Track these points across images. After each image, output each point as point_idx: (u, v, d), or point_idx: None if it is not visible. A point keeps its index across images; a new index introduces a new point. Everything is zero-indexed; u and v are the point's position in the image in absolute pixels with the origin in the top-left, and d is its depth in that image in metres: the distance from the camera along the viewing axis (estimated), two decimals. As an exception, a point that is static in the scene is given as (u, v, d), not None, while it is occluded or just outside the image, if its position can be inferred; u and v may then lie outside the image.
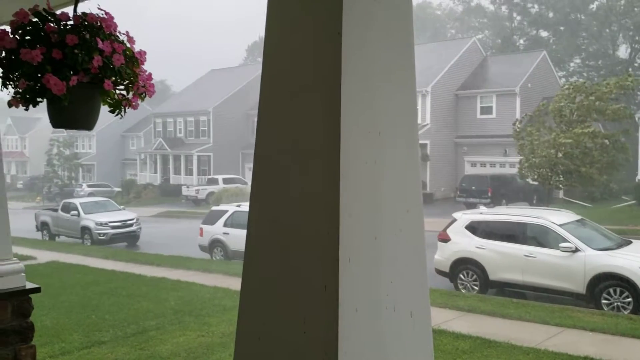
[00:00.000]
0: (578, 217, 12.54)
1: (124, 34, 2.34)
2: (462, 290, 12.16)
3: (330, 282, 1.18)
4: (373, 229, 1.28)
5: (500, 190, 28.56)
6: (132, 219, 22.85)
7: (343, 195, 1.20)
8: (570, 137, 24.11)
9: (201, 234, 17.78)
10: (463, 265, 12.35)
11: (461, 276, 12.35)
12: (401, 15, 1.39)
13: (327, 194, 1.21)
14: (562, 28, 53.69)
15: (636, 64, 48.29)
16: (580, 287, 10.73)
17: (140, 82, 2.39)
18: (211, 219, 17.78)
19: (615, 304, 10.34)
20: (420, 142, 32.66)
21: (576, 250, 10.84)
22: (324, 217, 1.21)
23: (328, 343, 1.17)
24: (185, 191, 40.81)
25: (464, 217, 13.00)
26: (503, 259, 11.78)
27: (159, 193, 45.19)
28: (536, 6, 56.58)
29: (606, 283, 10.47)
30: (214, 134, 45.74)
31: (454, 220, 13.04)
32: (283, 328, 1.27)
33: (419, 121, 33.75)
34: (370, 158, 1.28)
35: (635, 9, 48.29)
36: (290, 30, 1.34)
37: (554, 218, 11.78)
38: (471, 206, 21.78)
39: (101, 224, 22.11)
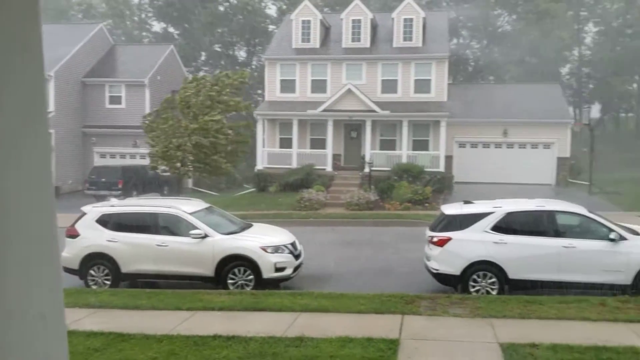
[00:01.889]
0: (207, 205, 13.35)
1: None
2: (94, 287, 11.67)
3: None
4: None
5: (131, 181, 28.39)
6: None
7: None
8: (198, 125, 25.74)
9: None
10: (94, 260, 11.85)
11: (92, 272, 11.83)
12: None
13: None
14: (186, 25, 56.18)
15: (253, 66, 54.06)
16: (209, 271, 11.47)
17: None
18: None
19: (240, 282, 11.41)
20: (44, 130, 29.92)
21: (205, 236, 11.53)
22: None
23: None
24: None
25: (94, 210, 12.46)
26: (135, 250, 11.73)
27: None
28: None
29: (232, 264, 11.46)
30: None
31: (84, 214, 12.39)
32: None
33: (42, 108, 30.84)
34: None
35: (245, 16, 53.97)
36: None
37: (184, 207, 12.27)
38: (102, 199, 21.02)
39: None
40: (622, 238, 10.49)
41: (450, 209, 11.96)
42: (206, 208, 13.00)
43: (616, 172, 37.74)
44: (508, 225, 10.96)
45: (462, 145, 32.14)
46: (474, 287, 10.81)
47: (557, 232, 10.82)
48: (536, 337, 7.76)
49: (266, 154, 29.66)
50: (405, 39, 30.82)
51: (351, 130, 30.56)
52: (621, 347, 7.35)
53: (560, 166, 31.15)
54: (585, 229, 10.92)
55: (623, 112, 61.29)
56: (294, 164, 28.59)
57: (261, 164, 29.45)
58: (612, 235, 10.49)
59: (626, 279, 10.37)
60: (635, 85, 57.08)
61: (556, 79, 46.37)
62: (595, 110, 56.44)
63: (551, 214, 11.02)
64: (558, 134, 31.29)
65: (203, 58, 57.53)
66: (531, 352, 7.24)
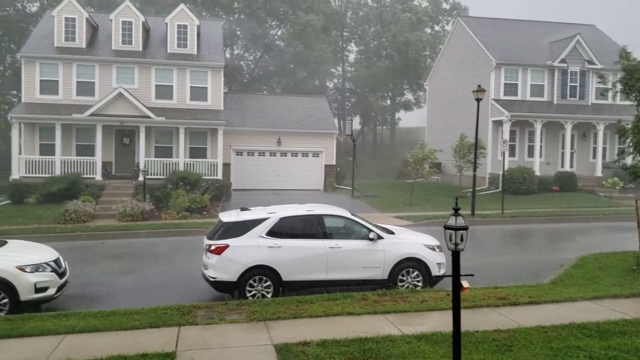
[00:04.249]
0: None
1: None
2: None
3: None
4: None
5: None
6: None
7: None
8: None
9: None
10: None
11: None
12: None
13: None
14: None
15: (7, 64, 48.09)
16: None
17: None
18: None
19: (-9, 308, 10.04)
20: None
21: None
22: None
23: None
24: None
25: None
26: None
27: None
28: None
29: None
30: None
31: None
32: None
33: None
34: None
35: None
36: None
37: None
38: None
39: None
40: (380, 237, 11.67)
41: (228, 216, 12.05)
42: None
43: (374, 178, 41.99)
44: (282, 229, 11.43)
45: (239, 153, 32.70)
46: (250, 291, 11.04)
47: (325, 234, 11.60)
48: (308, 335, 8.20)
49: (24, 161, 26.61)
50: (179, 46, 30.38)
51: (123, 136, 29.07)
52: (380, 337, 8.16)
53: (328, 173, 33.55)
54: (349, 231, 11.90)
55: (380, 125, 68.33)
56: (58, 173, 26.19)
57: (17, 172, 26.35)
58: (371, 235, 11.61)
59: (383, 274, 11.56)
60: (388, 102, 64.12)
61: (323, 92, 49.88)
62: (356, 123, 62.18)
63: (319, 218, 11.79)
64: (325, 143, 33.66)
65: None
66: (303, 350, 7.63)
